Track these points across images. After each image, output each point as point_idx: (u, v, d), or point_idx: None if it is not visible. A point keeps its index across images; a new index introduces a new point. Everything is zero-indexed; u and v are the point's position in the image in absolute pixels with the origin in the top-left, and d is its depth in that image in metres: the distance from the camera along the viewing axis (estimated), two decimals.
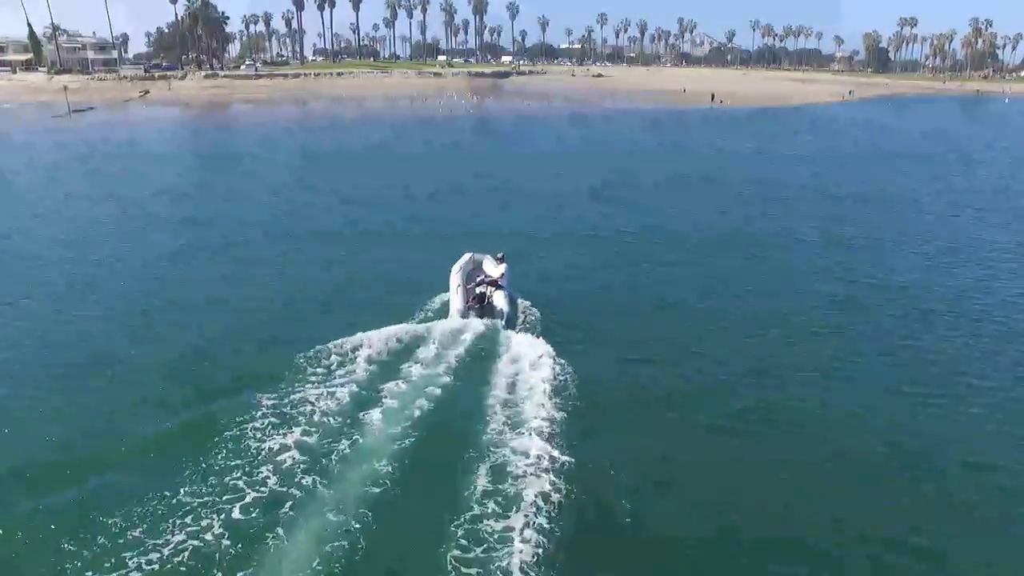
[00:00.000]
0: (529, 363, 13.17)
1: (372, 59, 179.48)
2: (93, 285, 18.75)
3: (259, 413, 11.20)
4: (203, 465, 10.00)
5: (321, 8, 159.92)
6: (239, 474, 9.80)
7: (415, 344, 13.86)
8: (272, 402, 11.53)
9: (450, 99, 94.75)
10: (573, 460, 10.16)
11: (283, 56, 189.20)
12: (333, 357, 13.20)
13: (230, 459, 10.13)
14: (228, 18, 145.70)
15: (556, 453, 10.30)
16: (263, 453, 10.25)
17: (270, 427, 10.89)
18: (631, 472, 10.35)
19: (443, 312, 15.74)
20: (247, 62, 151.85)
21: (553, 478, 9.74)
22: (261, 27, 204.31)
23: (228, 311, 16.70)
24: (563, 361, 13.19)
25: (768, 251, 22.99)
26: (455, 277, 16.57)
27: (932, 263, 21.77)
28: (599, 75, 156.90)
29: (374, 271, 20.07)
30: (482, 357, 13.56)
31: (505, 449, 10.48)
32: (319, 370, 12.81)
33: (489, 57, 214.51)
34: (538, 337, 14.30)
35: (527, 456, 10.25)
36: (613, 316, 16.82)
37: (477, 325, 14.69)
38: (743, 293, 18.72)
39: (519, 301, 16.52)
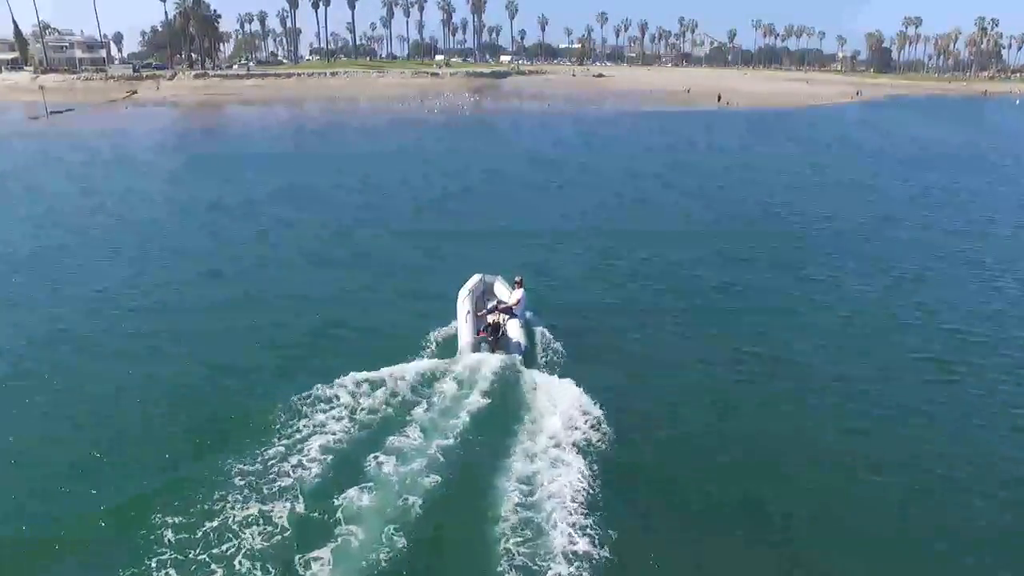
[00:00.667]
0: (552, 409, 11.41)
1: (368, 59, 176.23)
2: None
3: (229, 475, 9.73)
4: (192, 528, 8.81)
5: (316, 7, 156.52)
6: (228, 539, 8.59)
7: (417, 386, 12.08)
8: (242, 465, 9.92)
9: (447, 100, 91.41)
10: (606, 550, 8.44)
11: (277, 56, 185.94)
12: (319, 406, 11.32)
13: (206, 524, 8.84)
14: (220, 16, 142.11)
15: (585, 542, 8.56)
16: (238, 520, 8.91)
17: (241, 497, 9.32)
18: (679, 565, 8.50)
19: (450, 345, 13.83)
20: (240, 62, 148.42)
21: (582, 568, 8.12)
22: (257, 26, 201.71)
23: (203, 354, 14.18)
24: (593, 406, 11.41)
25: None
26: (463, 303, 14.58)
27: None
28: (600, 75, 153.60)
29: (368, 297, 17.65)
30: (496, 402, 11.68)
31: (524, 525, 8.83)
32: (299, 423, 10.92)
33: (488, 57, 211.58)
34: (562, 377, 12.44)
35: (550, 535, 8.66)
36: (646, 348, 14.75)
37: (490, 362, 12.78)
38: (823, 330, 16.04)
39: (538, 330, 14.61)
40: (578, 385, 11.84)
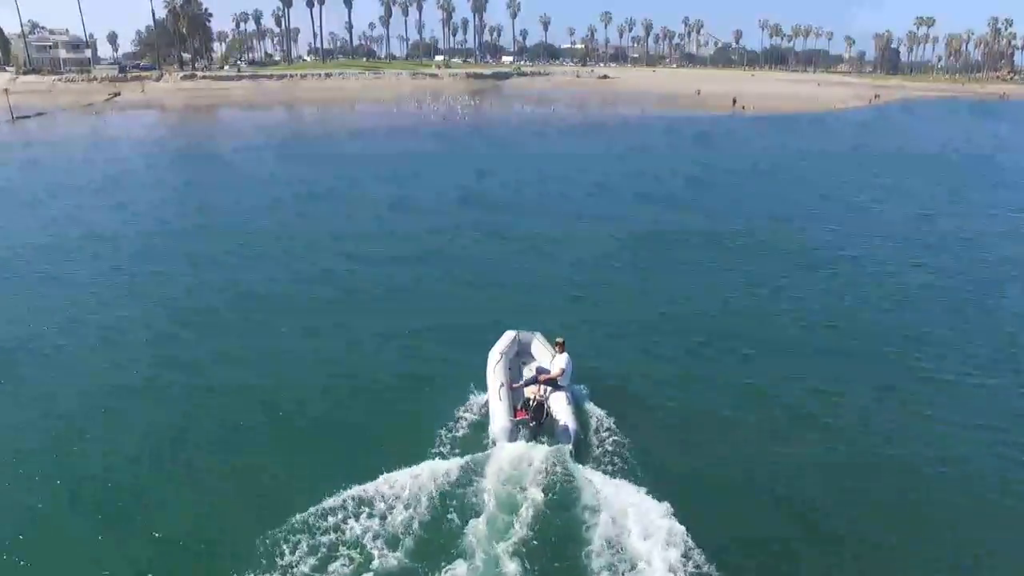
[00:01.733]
0: (622, 528, 8.83)
1: (365, 59, 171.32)
2: None
3: None
4: None
5: (311, 5, 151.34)
6: None
7: (435, 500, 9.36)
8: None
9: (445, 104, 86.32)
10: None
11: (271, 55, 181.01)
12: (309, 536, 8.75)
13: None
14: (211, 15, 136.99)
15: None
16: None
17: None
18: None
19: (478, 431, 11.11)
20: (232, 62, 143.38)
21: None
22: (252, 26, 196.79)
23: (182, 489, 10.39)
24: (673, 523, 8.78)
25: None
26: (494, 372, 11.78)
27: None
28: (605, 76, 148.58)
29: (367, 361, 14.04)
30: (545, 516, 9.12)
31: None
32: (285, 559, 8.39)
33: (489, 57, 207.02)
34: (630, 478, 9.86)
35: None
36: (731, 432, 11.74)
37: (533, 455, 10.25)
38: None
39: (589, 408, 11.75)
40: (653, 494, 9.25)
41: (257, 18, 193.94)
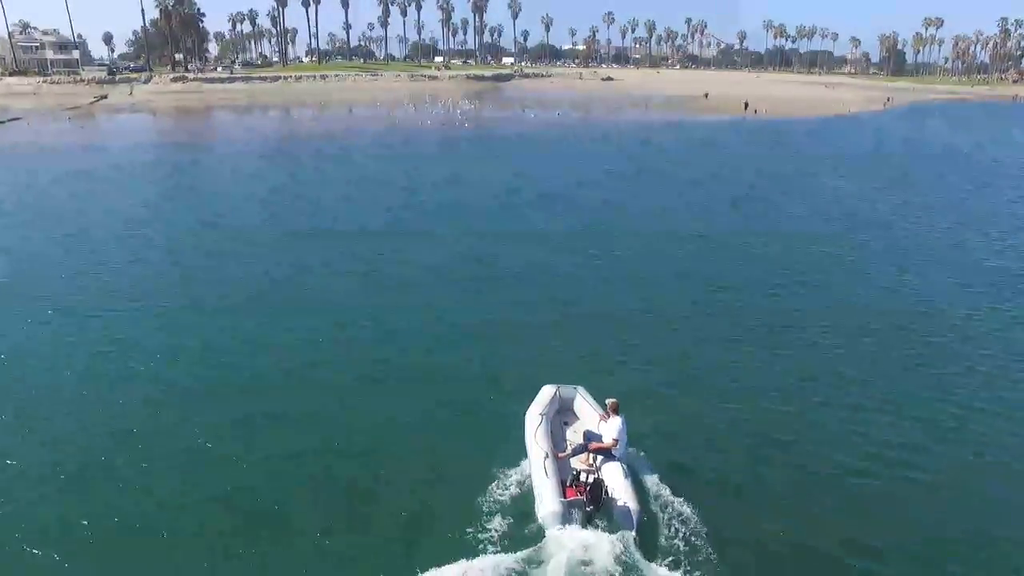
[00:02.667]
0: None
1: (363, 60, 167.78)
2: None
3: None
4: None
5: (306, 5, 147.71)
6: None
7: None
8: None
9: (444, 108, 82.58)
10: None
11: (266, 57, 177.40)
12: None
13: None
14: (204, 15, 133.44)
15: None
16: None
17: None
18: None
19: (520, 512, 9.02)
20: (224, 63, 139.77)
21: None
22: (249, 27, 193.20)
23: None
24: None
25: None
26: (536, 438, 9.87)
27: None
28: (608, 78, 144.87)
29: (379, 431, 11.59)
30: None
31: None
32: None
33: (489, 58, 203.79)
34: (703, 571, 7.96)
35: None
36: (825, 509, 9.75)
37: (591, 545, 8.21)
38: None
39: (649, 482, 9.64)
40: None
41: (252, 18, 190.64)
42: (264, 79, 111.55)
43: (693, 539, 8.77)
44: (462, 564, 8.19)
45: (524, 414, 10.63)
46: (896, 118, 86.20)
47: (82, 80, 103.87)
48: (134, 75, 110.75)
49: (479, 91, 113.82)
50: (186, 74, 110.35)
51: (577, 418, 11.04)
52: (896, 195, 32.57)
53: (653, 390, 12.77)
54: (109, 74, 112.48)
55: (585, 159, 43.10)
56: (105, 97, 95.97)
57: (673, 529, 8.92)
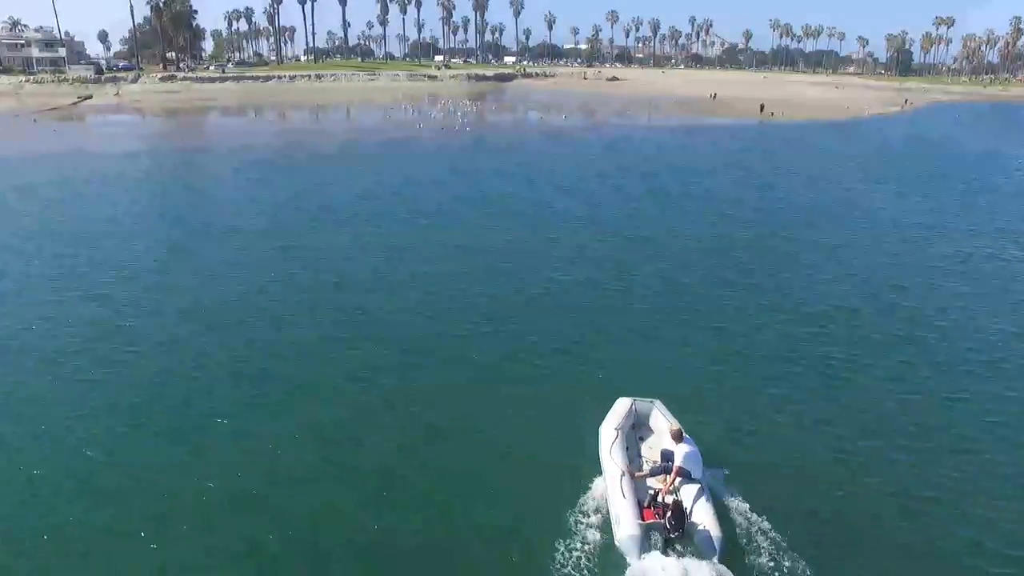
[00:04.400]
0: None
1: (360, 59, 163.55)
2: None
3: None
4: None
5: (303, 3, 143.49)
6: None
7: None
8: None
9: (445, 109, 78.36)
10: None
11: (261, 55, 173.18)
12: None
13: None
14: (196, 12, 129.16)
15: None
16: None
17: None
18: None
19: (597, 536, 8.61)
20: (216, 62, 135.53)
21: None
22: (244, 24, 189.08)
23: None
24: None
25: None
26: (611, 453, 9.37)
27: None
28: (614, 78, 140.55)
29: (451, 440, 10.95)
30: None
31: None
32: None
33: (491, 57, 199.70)
34: None
35: None
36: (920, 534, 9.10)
37: (672, 572, 7.85)
38: None
39: (731, 503, 9.14)
40: None
41: (248, 16, 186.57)
42: (257, 79, 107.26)
43: (780, 565, 8.33)
44: None
45: (599, 427, 10.21)
46: (923, 121, 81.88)
47: (66, 79, 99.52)
48: (122, 74, 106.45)
49: (480, 92, 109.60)
50: (175, 73, 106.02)
51: (653, 433, 10.58)
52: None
53: (737, 408, 12.23)
54: (96, 73, 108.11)
55: (604, 176, 38.75)
56: (89, 97, 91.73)
57: (758, 554, 8.51)
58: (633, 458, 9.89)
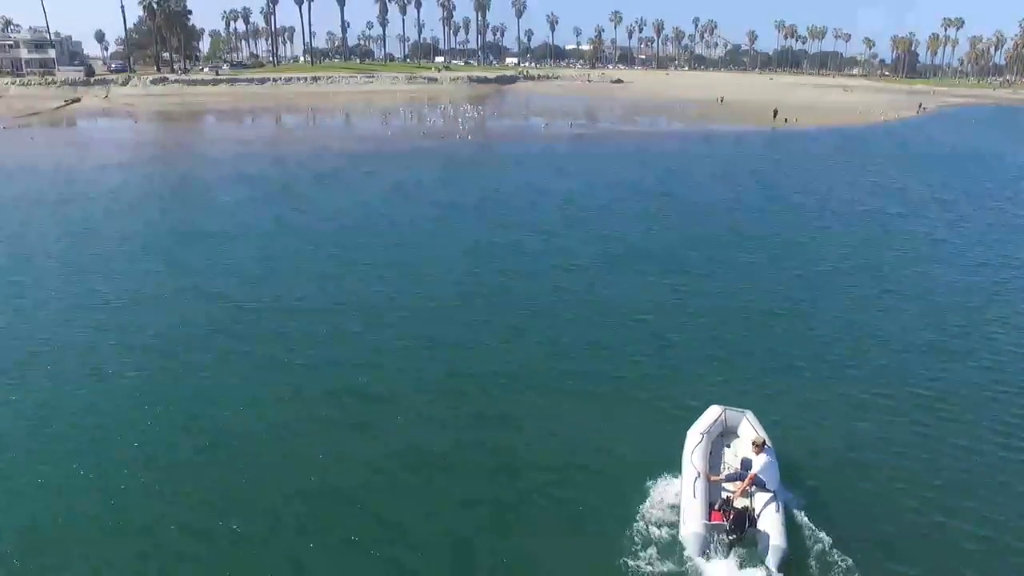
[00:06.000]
0: None
1: (359, 60, 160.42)
2: None
3: None
4: None
5: (300, 3, 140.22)
6: None
7: None
8: None
9: (445, 114, 75.20)
10: None
11: (257, 56, 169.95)
12: None
13: None
14: (191, 12, 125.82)
15: None
16: None
17: None
18: None
19: (663, 528, 9.19)
20: (211, 64, 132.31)
21: None
22: (242, 25, 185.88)
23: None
24: None
25: None
26: (692, 455, 9.90)
27: None
28: (618, 80, 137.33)
29: (531, 436, 11.71)
30: None
31: None
32: None
33: (492, 58, 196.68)
34: None
35: None
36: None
37: (730, 572, 8.32)
38: None
39: (802, 520, 9.34)
40: None
41: (246, 16, 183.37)
42: (251, 81, 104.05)
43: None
44: None
45: (687, 432, 10.56)
46: (945, 128, 78.58)
47: (54, 81, 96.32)
48: (112, 76, 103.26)
49: (482, 95, 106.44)
50: (167, 76, 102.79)
51: (740, 442, 10.67)
52: None
53: (830, 431, 12.27)
54: (87, 75, 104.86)
55: (660, 200, 35.50)
56: (77, 100, 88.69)
57: (821, 569, 8.66)
58: (715, 464, 10.22)
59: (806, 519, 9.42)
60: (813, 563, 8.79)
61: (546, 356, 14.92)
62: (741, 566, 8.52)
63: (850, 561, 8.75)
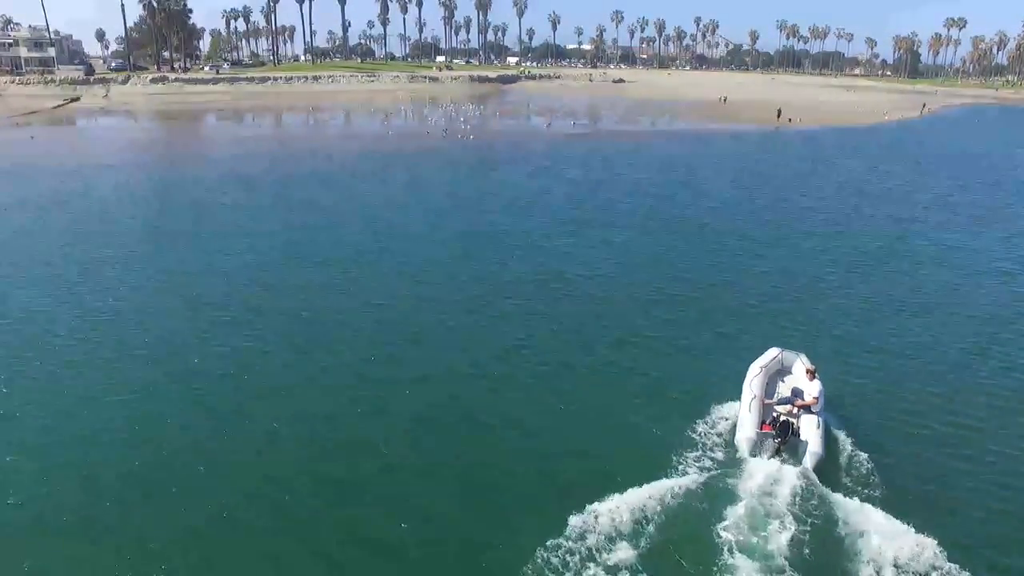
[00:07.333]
0: (873, 556, 8.53)
1: (360, 60, 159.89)
2: None
3: None
4: None
5: (301, 1, 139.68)
6: None
7: (674, 511, 9.22)
8: None
9: (446, 114, 74.70)
10: None
11: (257, 55, 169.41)
12: (552, 554, 8.48)
13: None
14: (191, 11, 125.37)
15: None
16: None
17: None
18: None
19: (723, 435, 11.22)
20: (211, 63, 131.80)
21: None
22: (243, 24, 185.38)
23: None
24: (939, 556, 8.40)
25: None
26: (751, 383, 11.92)
27: None
28: (620, 80, 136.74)
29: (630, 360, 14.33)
30: (789, 537, 8.72)
31: None
32: None
33: (493, 58, 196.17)
34: (878, 507, 9.40)
35: None
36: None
37: (774, 473, 10.05)
38: None
39: (839, 436, 11.26)
40: (908, 523, 8.92)
41: (246, 16, 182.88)
42: (251, 80, 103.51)
43: (869, 482, 10.17)
44: (657, 484, 9.69)
45: (748, 366, 12.37)
46: (951, 128, 78.01)
47: (53, 80, 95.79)
48: (112, 75, 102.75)
49: (483, 94, 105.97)
50: (167, 74, 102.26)
51: (793, 378, 12.46)
52: None
53: (879, 373, 14.12)
54: (87, 73, 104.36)
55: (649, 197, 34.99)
56: (77, 99, 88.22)
57: (850, 472, 10.42)
58: (770, 392, 12.04)
59: (843, 436, 11.25)
60: (843, 469, 10.54)
61: (631, 310, 17.32)
62: (783, 463, 10.24)
63: (877, 473, 10.40)
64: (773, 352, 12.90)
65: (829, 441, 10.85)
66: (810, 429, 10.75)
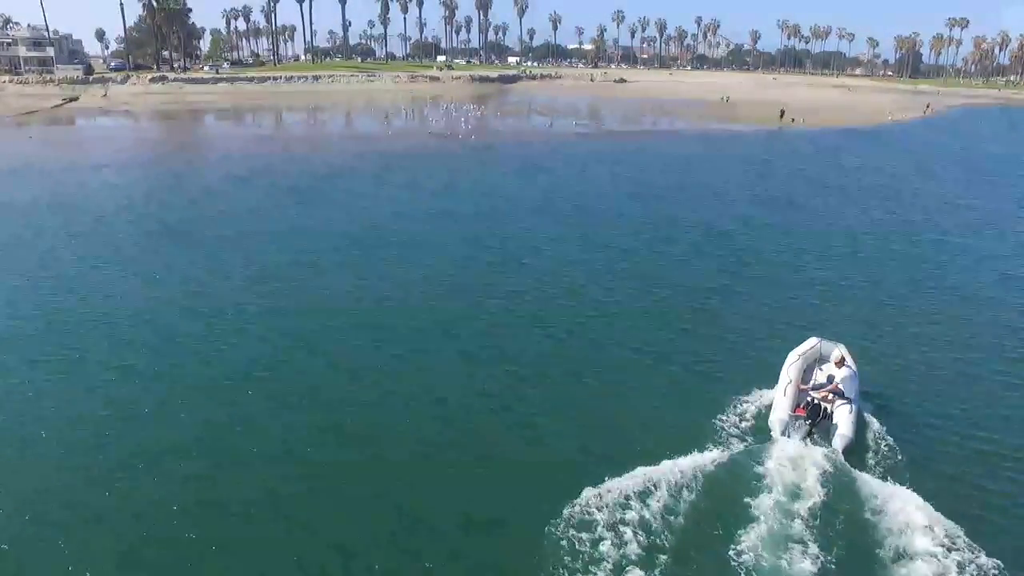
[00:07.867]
0: (898, 536, 8.80)
1: (361, 59, 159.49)
2: None
3: None
4: None
5: (301, 1, 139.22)
6: None
7: (704, 487, 9.66)
8: None
9: (447, 113, 74.21)
10: None
11: (257, 55, 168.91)
12: (585, 520, 9.03)
13: None
14: (191, 10, 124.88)
15: None
16: None
17: None
18: None
19: (756, 422, 11.63)
20: (211, 63, 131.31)
21: None
22: (243, 24, 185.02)
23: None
24: (963, 537, 8.71)
25: None
26: (788, 369, 12.45)
27: None
28: (621, 80, 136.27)
29: (679, 345, 15.10)
30: (815, 515, 9.21)
31: None
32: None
33: (494, 58, 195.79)
34: (905, 487, 9.69)
35: None
36: None
37: (804, 453, 10.49)
38: None
39: (870, 421, 11.56)
40: (938, 507, 9.15)
41: (246, 15, 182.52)
42: (251, 80, 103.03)
43: (897, 466, 10.44)
44: (698, 456, 10.29)
45: (788, 353, 12.79)
46: (956, 128, 77.51)
47: (52, 80, 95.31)
48: (111, 74, 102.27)
49: (484, 94, 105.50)
50: (166, 74, 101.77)
51: (829, 364, 12.46)
52: None
53: (915, 364, 14.55)
54: (86, 73, 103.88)
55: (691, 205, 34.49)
56: (76, 99, 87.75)
57: (879, 456, 10.71)
58: (807, 380, 12.27)
59: (877, 424, 11.48)
60: (873, 453, 10.86)
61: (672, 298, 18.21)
62: (813, 444, 10.66)
63: (904, 458, 10.68)
64: (812, 341, 13.33)
65: (861, 426, 11.19)
66: (843, 414, 11.15)
